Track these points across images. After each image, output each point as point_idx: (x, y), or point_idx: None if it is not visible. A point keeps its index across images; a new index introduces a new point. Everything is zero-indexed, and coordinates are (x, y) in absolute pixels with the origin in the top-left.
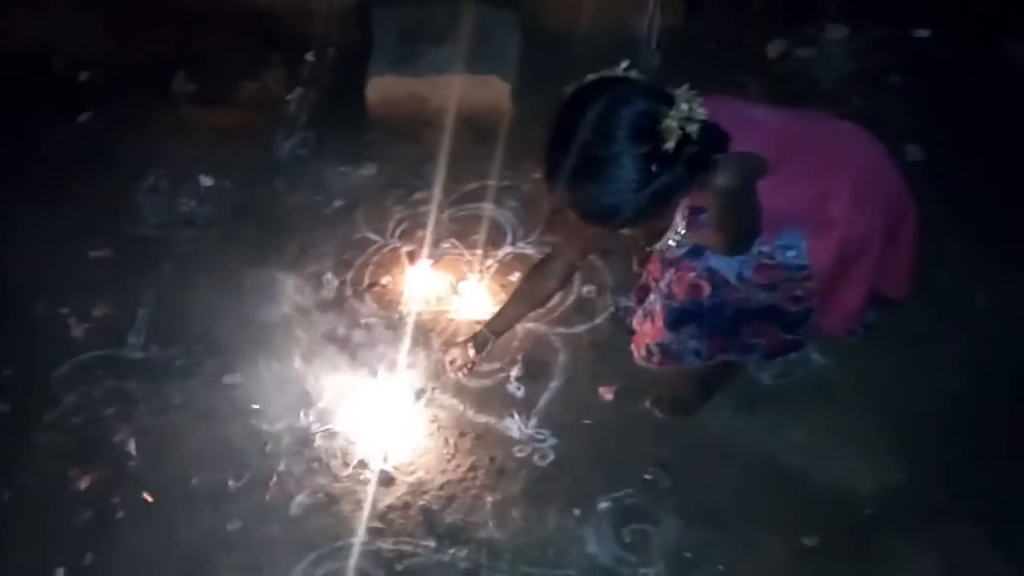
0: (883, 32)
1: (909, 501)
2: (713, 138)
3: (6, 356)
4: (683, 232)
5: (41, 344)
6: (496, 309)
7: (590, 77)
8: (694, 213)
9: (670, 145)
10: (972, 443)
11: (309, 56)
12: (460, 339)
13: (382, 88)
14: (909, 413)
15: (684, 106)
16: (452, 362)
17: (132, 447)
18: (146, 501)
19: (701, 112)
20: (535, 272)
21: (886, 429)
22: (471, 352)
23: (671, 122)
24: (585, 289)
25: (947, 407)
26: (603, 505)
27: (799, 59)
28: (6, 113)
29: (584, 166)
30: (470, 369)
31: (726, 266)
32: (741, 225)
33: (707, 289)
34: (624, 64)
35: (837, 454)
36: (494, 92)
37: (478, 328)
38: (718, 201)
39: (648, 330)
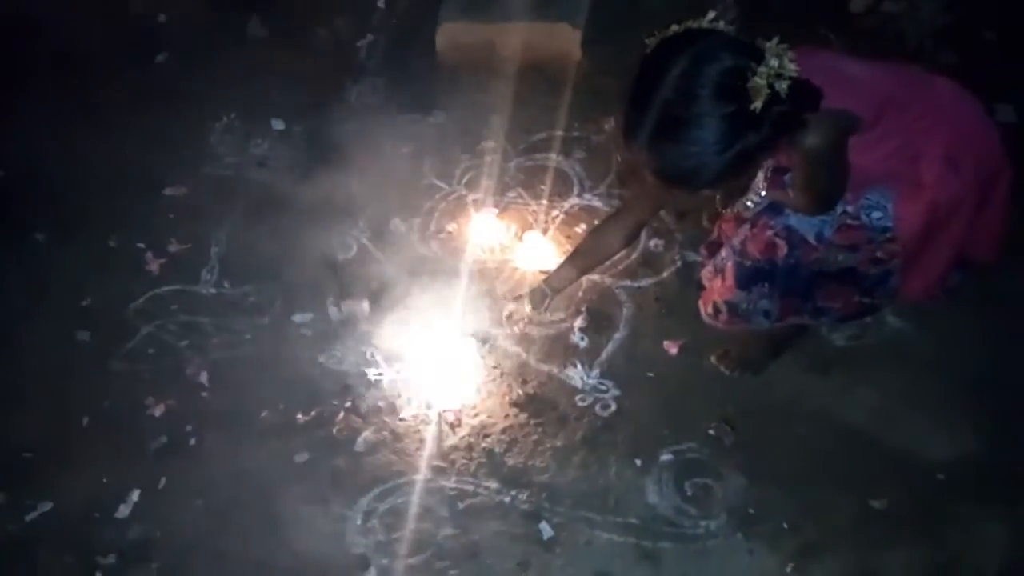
0: None
1: (982, 469)
2: (804, 96)
3: (86, 286)
4: (764, 194)
5: (118, 277)
6: (559, 261)
7: (674, 28)
8: (778, 173)
9: (757, 105)
10: None
11: (380, 3)
12: (519, 293)
13: (452, 35)
14: (987, 380)
15: (774, 61)
16: (509, 316)
17: (204, 379)
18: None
19: (792, 68)
20: (601, 229)
21: (963, 395)
22: (528, 308)
23: (760, 80)
24: (652, 243)
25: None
26: (665, 457)
27: (885, 14)
28: (85, 53)
29: (664, 126)
30: (527, 324)
31: (806, 225)
32: (828, 187)
33: (783, 248)
34: (711, 15)
35: (910, 418)
36: (564, 40)
37: (542, 279)
38: (806, 162)
39: (717, 287)
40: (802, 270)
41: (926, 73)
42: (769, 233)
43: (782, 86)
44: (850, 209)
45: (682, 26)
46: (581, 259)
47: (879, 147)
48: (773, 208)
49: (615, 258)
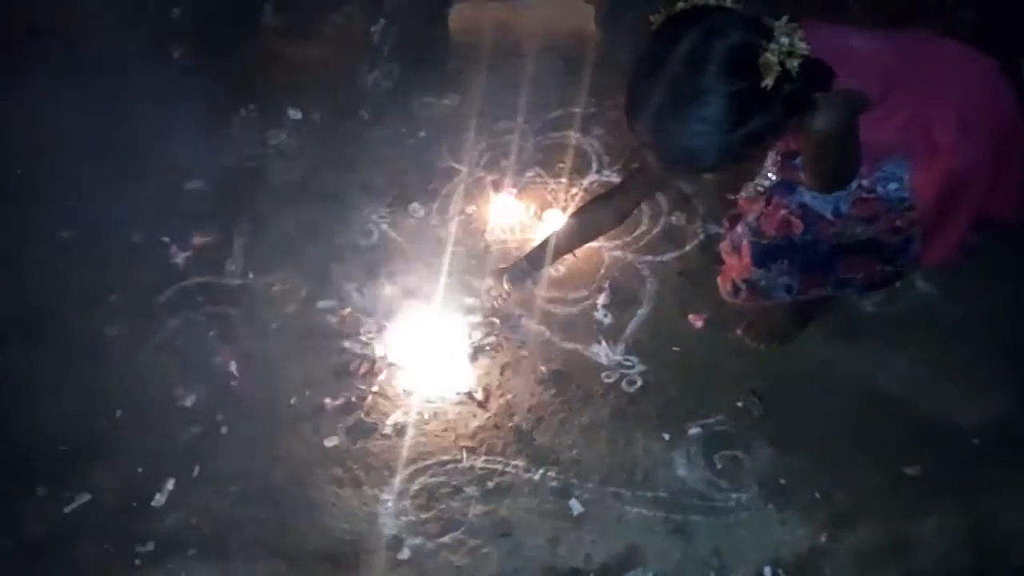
0: None
1: (1015, 433)
2: (815, 75)
3: (112, 283)
4: (774, 179)
5: (144, 271)
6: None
7: (682, 4)
8: (787, 157)
9: (768, 82)
10: None
11: None
12: (498, 268)
13: (466, 16)
14: (1017, 343)
15: (784, 39)
16: (488, 291)
17: (233, 368)
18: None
19: (803, 46)
20: (592, 208)
21: (994, 359)
22: (505, 285)
23: (771, 56)
24: (674, 217)
25: None
26: (693, 431)
27: None
28: (103, 52)
29: (670, 103)
30: (504, 301)
31: (821, 202)
32: (840, 167)
33: (799, 226)
34: None
35: (942, 384)
36: (578, 16)
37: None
38: (817, 144)
39: (735, 265)
40: (821, 245)
41: (934, 37)
42: (784, 212)
43: (793, 64)
44: (865, 183)
45: (689, 2)
46: (569, 237)
47: (891, 119)
48: (786, 186)
49: (636, 232)
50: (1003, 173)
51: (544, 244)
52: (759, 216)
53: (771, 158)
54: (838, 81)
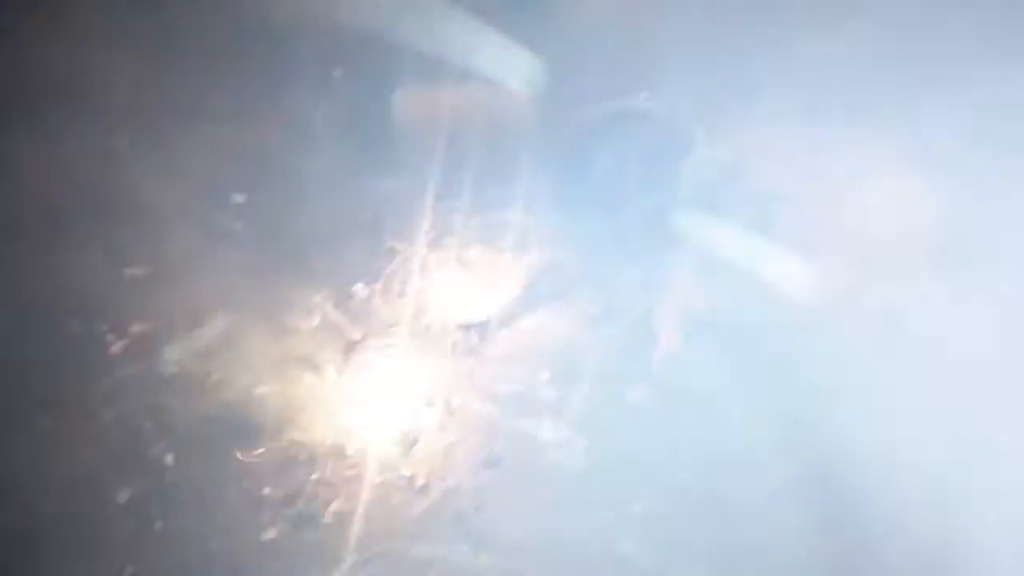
0: None
1: None
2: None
3: (48, 373)
4: None
5: (80, 361)
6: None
7: (608, 107)
8: None
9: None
10: None
11: (336, 72)
12: (469, 322)
13: (408, 99)
14: None
15: (703, 149)
16: (454, 345)
17: (170, 460)
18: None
19: (720, 156)
20: None
21: None
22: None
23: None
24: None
25: None
26: (637, 508)
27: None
28: (41, 144)
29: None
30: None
31: None
32: None
33: None
34: (643, 95)
35: None
36: (518, 100)
37: (507, 333)
38: None
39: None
40: None
41: None
42: None
43: (710, 172)
44: None
45: (616, 104)
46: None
47: None
48: None
49: (579, 306)
50: None
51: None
52: None
53: None
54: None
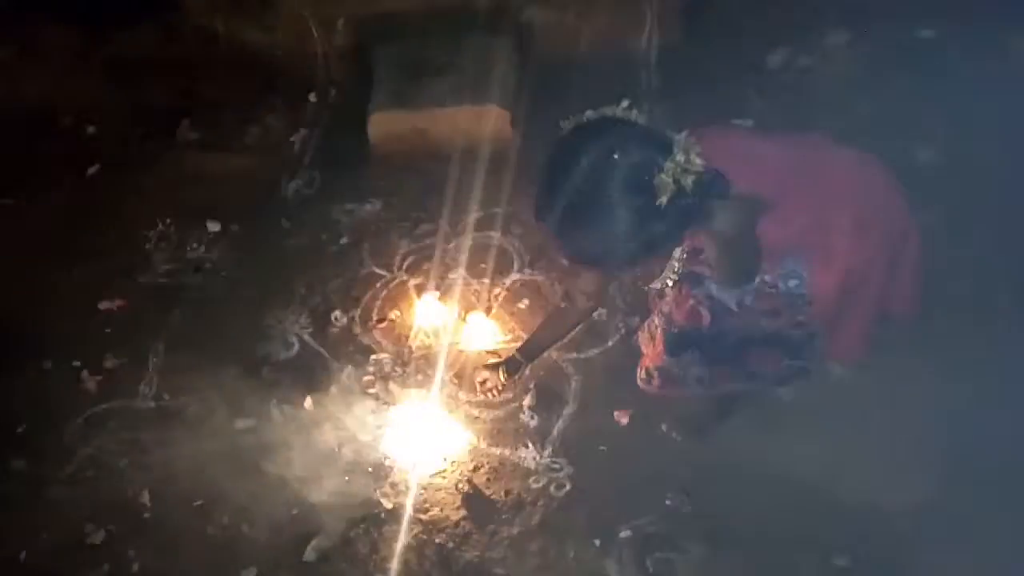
0: (886, 34)
1: (941, 512)
2: (710, 187)
3: (20, 412)
4: (680, 271)
5: (54, 398)
6: (503, 339)
7: (589, 115)
8: (694, 253)
9: (663, 200)
10: (1001, 455)
11: (311, 97)
12: (491, 362)
13: (383, 124)
14: (934, 424)
15: (680, 157)
16: (483, 383)
17: (146, 498)
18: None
19: (698, 163)
20: (568, 295)
21: (911, 441)
22: (502, 376)
23: (665, 177)
24: (596, 313)
25: (972, 417)
26: (624, 534)
27: (801, 68)
28: (15, 170)
29: (573, 213)
30: (499, 392)
31: (727, 293)
32: (740, 265)
33: (707, 317)
34: (625, 103)
35: (864, 468)
36: (495, 121)
37: (489, 358)
38: (718, 244)
39: (650, 352)
40: (728, 336)
41: (831, 143)
42: (692, 302)
43: (687, 181)
44: (768, 279)
45: (596, 113)
46: (552, 330)
47: (793, 221)
48: (694, 278)
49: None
50: (898, 269)
51: (533, 338)
52: (670, 305)
53: (678, 252)
54: (741, 185)
